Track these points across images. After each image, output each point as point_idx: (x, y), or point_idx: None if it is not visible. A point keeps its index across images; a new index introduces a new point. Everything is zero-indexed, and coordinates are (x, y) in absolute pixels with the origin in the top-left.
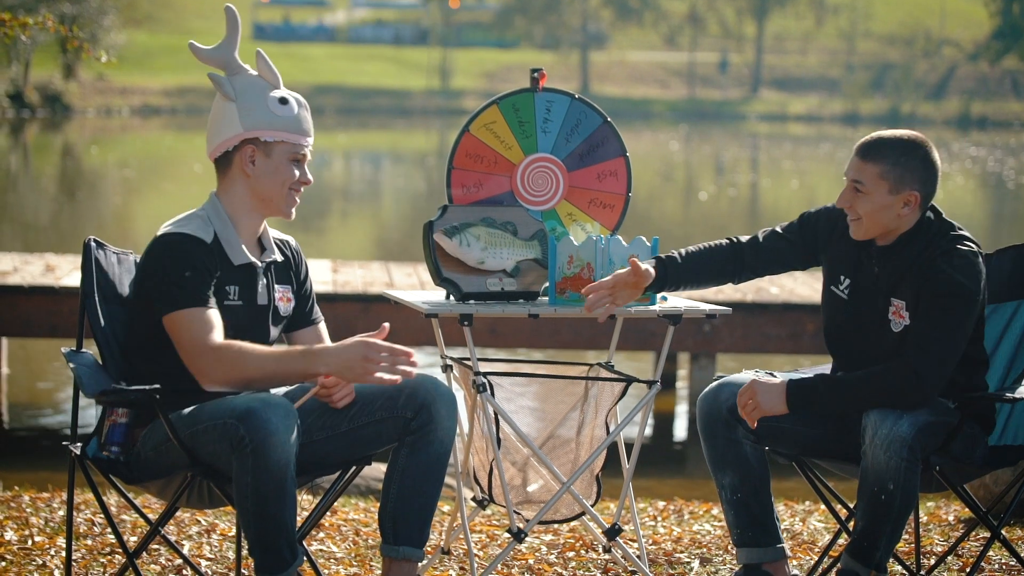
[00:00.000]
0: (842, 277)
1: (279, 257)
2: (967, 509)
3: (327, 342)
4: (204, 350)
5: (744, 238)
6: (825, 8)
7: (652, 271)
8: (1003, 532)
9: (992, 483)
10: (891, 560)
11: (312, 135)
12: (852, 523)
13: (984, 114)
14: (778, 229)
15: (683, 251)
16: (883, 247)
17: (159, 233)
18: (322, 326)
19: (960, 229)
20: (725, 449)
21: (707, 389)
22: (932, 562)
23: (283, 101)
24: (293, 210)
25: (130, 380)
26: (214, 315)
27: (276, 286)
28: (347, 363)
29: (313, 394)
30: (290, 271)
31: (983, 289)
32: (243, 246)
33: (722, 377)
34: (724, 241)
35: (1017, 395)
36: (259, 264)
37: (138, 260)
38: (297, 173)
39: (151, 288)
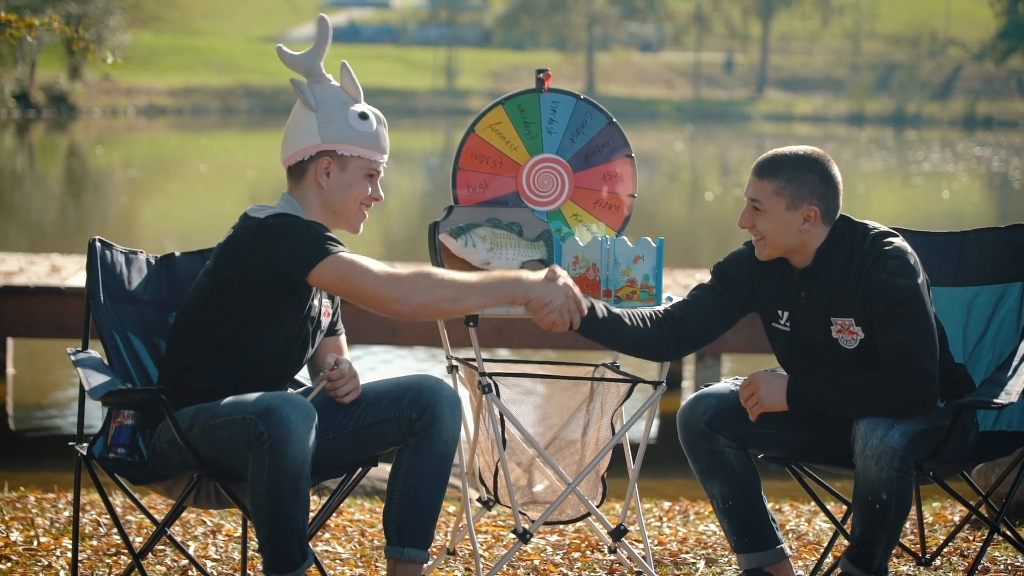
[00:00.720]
0: (780, 312)
1: None
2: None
3: (346, 353)
4: (393, 275)
5: (669, 305)
6: (831, 8)
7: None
8: (1003, 527)
9: (993, 478)
10: (897, 549)
11: (388, 152)
12: (850, 522)
13: (990, 114)
14: (694, 298)
15: (611, 310)
16: (804, 270)
17: (261, 216)
18: (343, 339)
19: (874, 228)
20: (708, 460)
21: (683, 404)
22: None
23: (363, 116)
24: (361, 225)
25: (172, 378)
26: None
27: (324, 300)
28: (553, 296)
29: (321, 388)
30: None
31: (922, 272)
32: None
33: (701, 389)
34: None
35: (1002, 400)
36: None
37: (234, 244)
38: (370, 189)
39: (287, 253)
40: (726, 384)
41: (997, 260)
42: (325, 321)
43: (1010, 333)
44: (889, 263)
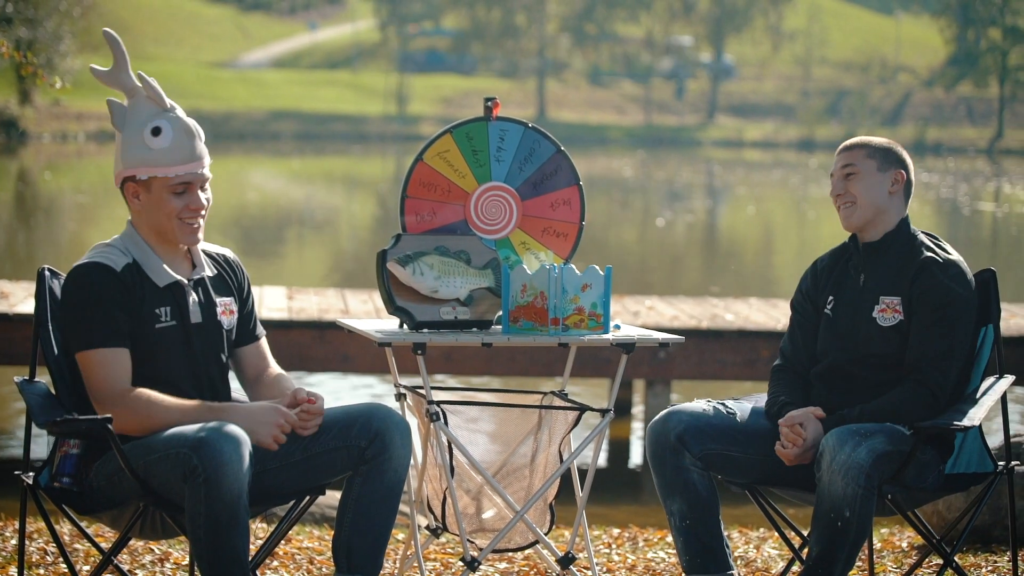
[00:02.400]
0: (830, 299)
1: (210, 272)
2: (920, 536)
3: (269, 358)
4: (112, 396)
5: (783, 359)
6: (781, 35)
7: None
8: (956, 559)
9: (945, 509)
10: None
11: (195, 159)
12: (806, 551)
13: (939, 140)
14: (792, 328)
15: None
16: (868, 247)
17: (75, 264)
18: (263, 342)
19: (945, 244)
20: (673, 477)
21: (656, 417)
22: None
23: (155, 132)
24: (197, 235)
25: (81, 409)
26: (124, 357)
27: (217, 299)
28: (256, 425)
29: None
30: (230, 283)
31: (973, 298)
32: (165, 266)
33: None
34: (785, 377)
35: (966, 423)
36: (186, 281)
37: None
38: (179, 204)
39: (65, 324)
40: (699, 403)
41: None
42: (229, 320)
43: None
44: (950, 268)
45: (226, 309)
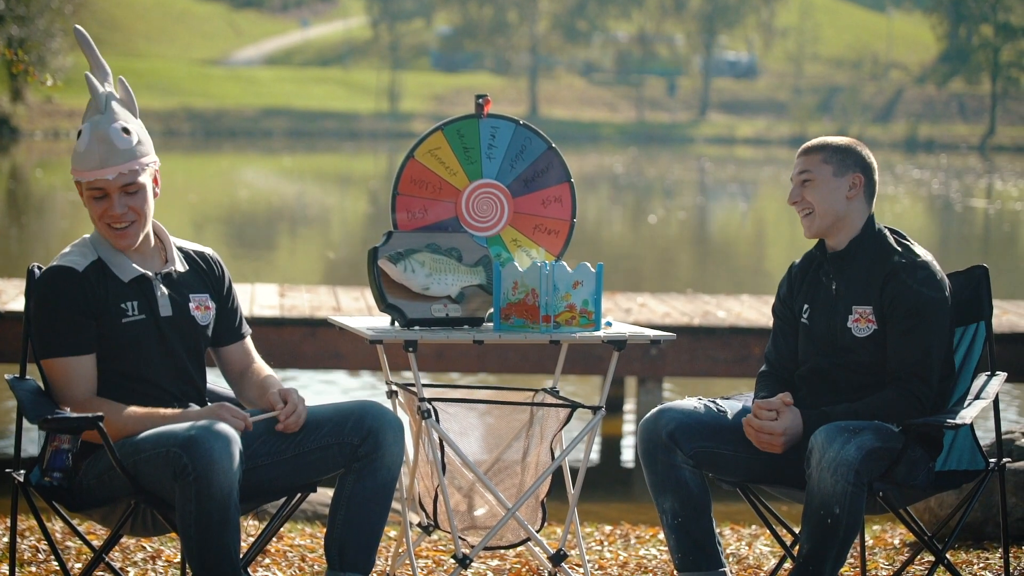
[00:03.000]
0: (805, 307)
1: (182, 267)
2: (912, 533)
3: (254, 355)
4: (74, 404)
5: (768, 366)
6: (773, 32)
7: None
8: (947, 556)
9: (937, 506)
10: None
11: (105, 166)
12: (797, 548)
13: (931, 137)
14: (774, 334)
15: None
16: (836, 255)
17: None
18: (248, 340)
19: (906, 239)
20: (665, 474)
21: (648, 415)
22: None
23: (79, 134)
24: (128, 240)
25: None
26: (86, 364)
27: (190, 295)
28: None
29: (268, 416)
30: (205, 280)
31: (949, 296)
32: (132, 263)
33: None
34: (770, 383)
35: (957, 421)
36: (152, 275)
37: None
38: (98, 208)
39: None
40: (690, 401)
41: (960, 303)
42: (203, 315)
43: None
44: (918, 271)
45: (200, 304)
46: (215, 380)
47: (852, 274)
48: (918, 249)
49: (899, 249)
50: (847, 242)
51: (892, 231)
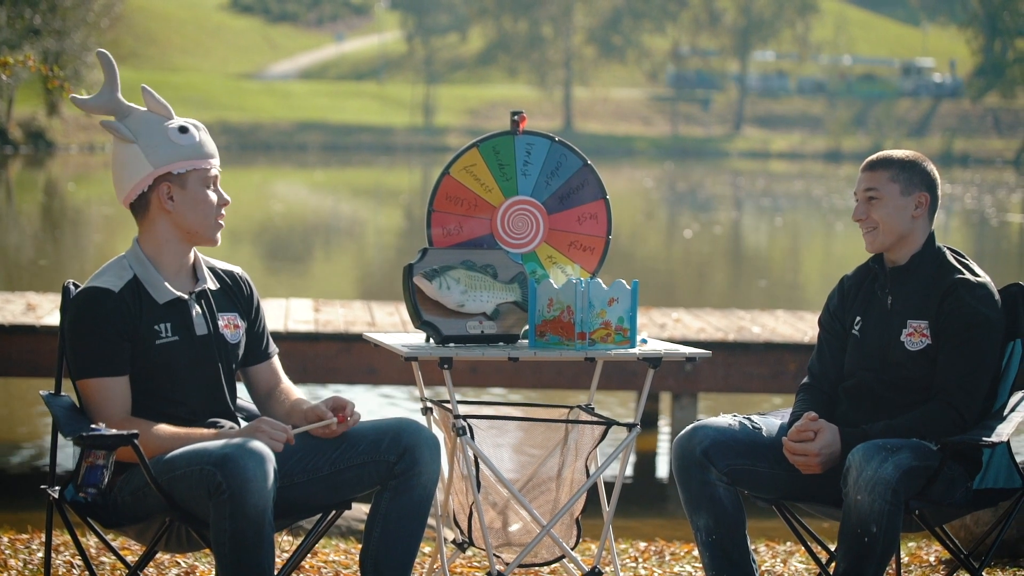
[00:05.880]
0: (857, 319)
1: (213, 285)
2: (948, 551)
3: (282, 375)
4: (108, 425)
5: (811, 378)
6: (808, 46)
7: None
8: (984, 574)
9: (973, 524)
10: None
11: (216, 155)
12: (832, 566)
13: (966, 151)
14: (820, 347)
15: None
16: (895, 270)
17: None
18: (276, 360)
19: (966, 258)
20: (699, 491)
21: (682, 432)
22: None
23: (182, 130)
24: (219, 235)
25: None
26: (121, 385)
27: (219, 314)
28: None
29: (312, 428)
30: (234, 299)
31: (1001, 318)
32: (167, 284)
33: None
34: (811, 396)
35: (994, 439)
36: (187, 296)
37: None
38: (215, 197)
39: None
40: (724, 418)
41: None
42: (232, 334)
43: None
44: (977, 289)
45: (229, 323)
46: (243, 396)
47: (910, 289)
48: (977, 268)
49: (959, 267)
50: (908, 257)
51: (951, 250)
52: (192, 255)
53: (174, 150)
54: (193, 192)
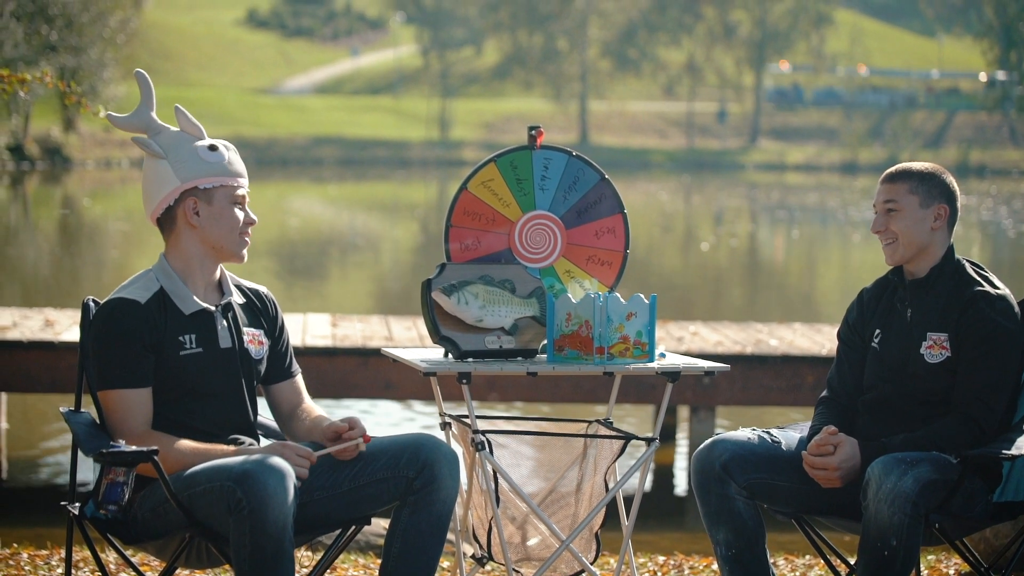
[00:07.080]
0: (877, 332)
1: (239, 299)
2: (968, 564)
3: (304, 394)
4: (130, 437)
5: (830, 391)
6: (823, 58)
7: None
8: None
9: (993, 536)
10: None
11: (246, 175)
12: None
13: (983, 162)
14: (839, 360)
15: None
16: (915, 282)
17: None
18: (299, 379)
19: (990, 275)
20: (719, 505)
21: (701, 446)
22: None
23: (212, 148)
24: (245, 252)
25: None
26: (143, 397)
27: (245, 328)
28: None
29: (332, 450)
30: (259, 315)
31: (1021, 331)
32: (193, 296)
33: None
34: (830, 409)
35: (1013, 452)
36: (213, 308)
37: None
38: (242, 215)
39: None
40: (744, 431)
41: None
42: (257, 349)
43: None
44: (997, 302)
45: (254, 339)
46: (263, 413)
47: (930, 301)
48: (996, 281)
49: (978, 279)
50: (927, 270)
51: (970, 262)
52: (219, 271)
53: (202, 166)
54: (219, 208)
